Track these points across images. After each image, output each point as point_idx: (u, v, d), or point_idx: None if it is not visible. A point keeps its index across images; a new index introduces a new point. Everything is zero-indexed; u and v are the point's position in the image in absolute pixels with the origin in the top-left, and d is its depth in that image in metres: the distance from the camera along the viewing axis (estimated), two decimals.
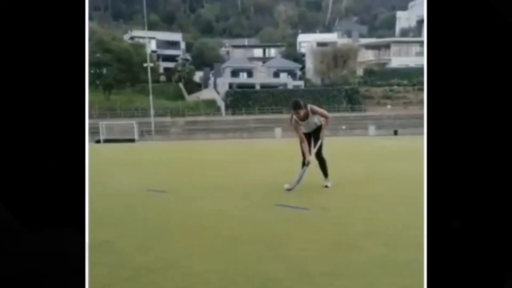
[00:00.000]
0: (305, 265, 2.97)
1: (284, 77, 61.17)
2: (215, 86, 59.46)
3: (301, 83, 59.97)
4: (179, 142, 36.04)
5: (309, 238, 3.69)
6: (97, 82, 54.36)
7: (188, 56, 73.11)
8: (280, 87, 58.10)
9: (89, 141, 38.39)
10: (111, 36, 59.07)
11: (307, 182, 6.35)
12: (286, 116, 50.82)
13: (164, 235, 3.93)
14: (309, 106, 6.19)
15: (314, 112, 6.19)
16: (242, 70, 61.88)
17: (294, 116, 6.15)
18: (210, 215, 4.76)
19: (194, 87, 63.66)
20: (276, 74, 61.79)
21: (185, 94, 62.19)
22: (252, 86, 57.96)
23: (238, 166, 11.47)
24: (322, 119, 6.35)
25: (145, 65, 50.27)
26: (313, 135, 6.45)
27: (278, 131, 41.27)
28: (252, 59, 67.76)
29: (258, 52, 72.42)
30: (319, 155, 6.45)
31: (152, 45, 67.01)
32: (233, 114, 50.85)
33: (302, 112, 6.07)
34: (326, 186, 6.41)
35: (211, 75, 64.08)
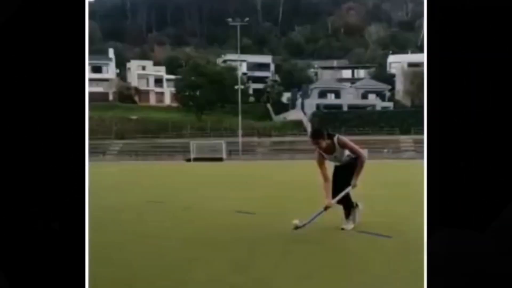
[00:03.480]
0: None
1: (372, 98, 59.94)
2: (302, 107, 59.98)
3: (390, 104, 58.29)
4: (265, 162, 36.80)
5: (389, 266, 3.72)
6: (190, 103, 57.65)
7: (277, 78, 74.76)
8: (368, 108, 56.97)
9: (181, 159, 40.73)
10: (205, 60, 62.69)
11: (389, 208, 6.18)
12: (373, 137, 49.49)
13: (253, 256, 4.11)
14: (336, 137, 4.99)
15: (343, 146, 5.00)
16: (330, 91, 61.72)
17: (318, 149, 5.02)
18: (295, 239, 4.83)
19: (281, 108, 64.78)
20: (364, 96, 60.75)
21: (273, 114, 63.49)
22: (339, 107, 57.55)
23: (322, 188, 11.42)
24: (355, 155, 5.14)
25: (236, 87, 52.43)
26: (343, 171, 5.18)
27: (364, 152, 40.42)
28: (340, 80, 67.39)
29: (346, 73, 71.75)
30: (348, 203, 5.31)
31: (243, 68, 69.61)
32: None
33: (323, 143, 4.88)
34: (343, 229, 5.28)
35: (298, 96, 64.76)
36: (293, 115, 58.77)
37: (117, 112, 58.76)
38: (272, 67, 77.86)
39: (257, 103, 67.76)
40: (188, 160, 40.04)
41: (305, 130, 53.45)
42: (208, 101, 56.82)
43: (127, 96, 67.76)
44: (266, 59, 78.17)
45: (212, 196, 9.79)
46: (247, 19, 56.51)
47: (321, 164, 5.10)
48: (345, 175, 5.14)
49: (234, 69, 60.54)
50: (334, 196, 5.10)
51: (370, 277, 3.40)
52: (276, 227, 5.50)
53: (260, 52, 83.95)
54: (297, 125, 54.48)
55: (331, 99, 60.30)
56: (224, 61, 69.47)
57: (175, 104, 64.88)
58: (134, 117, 57.30)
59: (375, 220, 5.96)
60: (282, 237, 4.92)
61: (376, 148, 43.59)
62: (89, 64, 67.58)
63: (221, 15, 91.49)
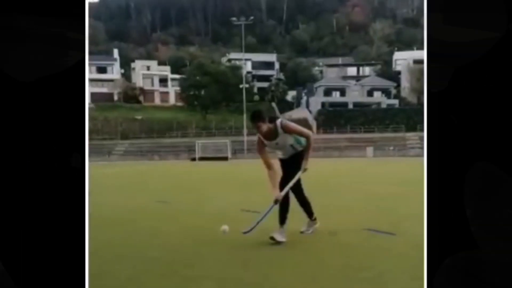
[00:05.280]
0: None
1: (378, 96, 59.81)
2: (307, 105, 59.95)
3: (395, 101, 58.19)
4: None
5: (393, 262, 3.74)
6: (195, 103, 57.80)
7: (281, 76, 74.69)
8: (374, 106, 56.83)
9: (186, 159, 40.77)
10: (209, 59, 62.86)
11: (394, 206, 6.17)
12: (378, 135, 49.24)
13: (259, 254, 4.15)
14: (279, 120, 4.52)
15: (287, 130, 4.49)
16: (335, 89, 61.69)
17: (259, 134, 4.54)
18: (300, 236, 4.87)
19: (286, 106, 64.70)
20: (370, 93, 60.61)
21: (278, 113, 63.42)
22: (344, 104, 57.47)
23: (328, 186, 11.41)
24: (303, 139, 4.64)
25: (240, 86, 52.48)
26: (290, 165, 4.68)
27: (369, 150, 40.35)
28: (345, 77, 67.26)
29: (351, 71, 71.56)
30: (299, 194, 4.79)
31: (248, 66, 69.57)
32: (324, 133, 50.78)
33: (264, 127, 4.40)
34: (302, 232, 4.93)
35: (303, 94, 64.73)
36: (298, 113, 58.59)
37: (122, 112, 59.00)
38: (277, 65, 77.72)
39: (262, 102, 67.63)
40: (193, 159, 40.11)
41: (310, 128, 53.49)
42: (213, 100, 56.97)
43: (132, 96, 67.96)
44: (271, 57, 77.98)
45: (217, 195, 9.77)
46: (251, 18, 56.43)
47: (262, 151, 4.63)
48: (293, 168, 4.62)
49: (238, 68, 60.56)
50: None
51: (374, 274, 3.42)
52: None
53: (264, 50, 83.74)
54: (302, 123, 54.11)
55: (336, 97, 60.26)
56: (229, 60, 69.49)
57: (180, 104, 65.07)
58: (139, 117, 57.51)
59: (380, 217, 5.99)
60: (287, 233, 4.88)
61: (382, 145, 43.50)
62: (94, 64, 67.86)
63: (225, 14, 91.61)
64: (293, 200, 4.80)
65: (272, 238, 4.42)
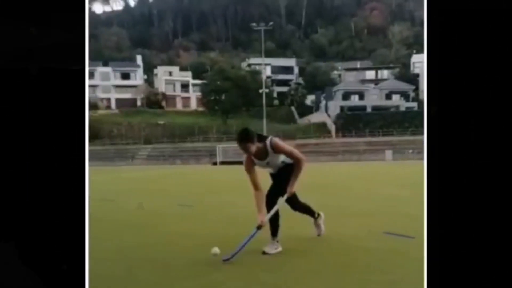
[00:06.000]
0: None
1: (396, 99, 59.95)
2: (326, 109, 60.50)
3: (414, 104, 58.11)
4: None
5: (410, 265, 3.76)
6: (216, 107, 58.98)
7: (300, 80, 75.43)
8: (392, 109, 57.07)
9: (207, 163, 41.57)
10: (230, 65, 64.05)
11: (413, 209, 6.24)
12: (397, 138, 49.12)
13: (280, 258, 4.16)
14: (269, 139, 4.21)
15: (277, 150, 4.23)
16: (354, 93, 62.05)
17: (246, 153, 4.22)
18: (320, 240, 4.91)
19: (305, 111, 65.41)
20: (388, 96, 60.79)
21: (297, 117, 64.18)
22: (363, 108, 57.84)
23: (346, 190, 11.64)
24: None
25: (260, 91, 53.41)
26: (281, 175, 4.42)
27: (388, 153, 40.69)
28: (364, 81, 67.57)
29: (370, 74, 71.68)
30: (296, 205, 4.61)
31: (267, 71, 70.54)
32: (343, 136, 51.28)
33: (253, 148, 4.08)
34: (319, 235, 4.92)
35: (322, 99, 65.30)
36: (317, 117, 59.31)
37: (145, 118, 60.68)
38: (296, 70, 78.60)
39: (281, 106, 68.58)
40: (215, 163, 40.83)
41: (329, 132, 54.06)
42: (233, 105, 58.10)
43: (155, 101, 69.68)
44: (290, 62, 78.95)
45: (239, 198, 9.59)
46: (271, 23, 57.44)
47: (250, 170, 4.31)
48: (284, 178, 4.40)
49: (258, 73, 61.64)
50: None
51: (392, 276, 3.49)
52: (302, 227, 5.35)
53: (283, 55, 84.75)
54: (321, 127, 55.03)
55: (355, 100, 60.63)
56: (249, 65, 70.63)
57: (201, 109, 66.45)
58: (161, 122, 58.94)
59: (398, 220, 6.11)
60: (307, 237, 5.01)
61: (401, 149, 43.76)
62: (118, 71, 70.17)
63: (245, 20, 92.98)
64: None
65: (264, 252, 4.23)
